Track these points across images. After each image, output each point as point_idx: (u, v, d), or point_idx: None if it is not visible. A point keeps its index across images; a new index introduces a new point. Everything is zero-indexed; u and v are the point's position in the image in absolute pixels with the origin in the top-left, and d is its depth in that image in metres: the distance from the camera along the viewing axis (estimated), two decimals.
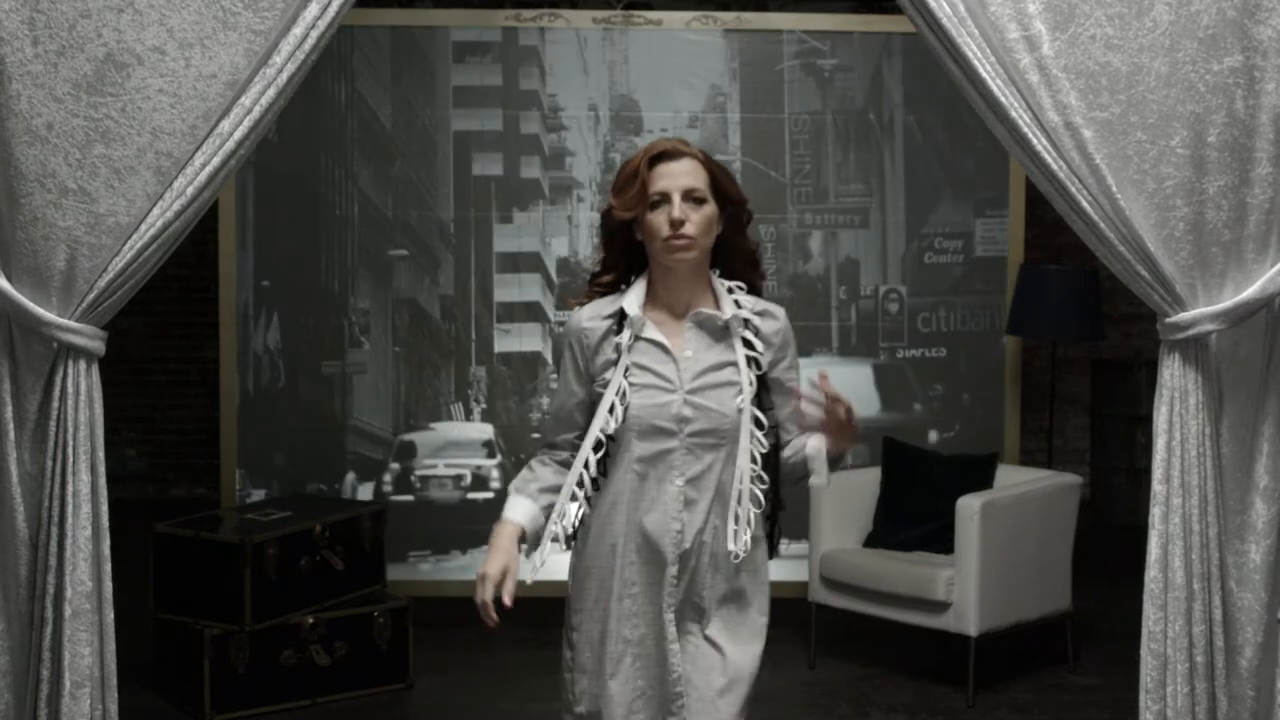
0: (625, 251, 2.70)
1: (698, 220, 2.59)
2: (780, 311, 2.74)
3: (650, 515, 2.63)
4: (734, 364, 2.64)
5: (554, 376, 5.80)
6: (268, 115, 3.03)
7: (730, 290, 2.70)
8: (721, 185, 2.64)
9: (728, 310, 2.67)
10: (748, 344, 2.67)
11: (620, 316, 2.65)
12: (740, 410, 2.63)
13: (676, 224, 2.57)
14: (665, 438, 2.62)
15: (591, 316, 2.69)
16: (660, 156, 2.63)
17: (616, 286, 2.71)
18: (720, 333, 2.66)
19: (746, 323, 2.68)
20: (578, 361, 2.68)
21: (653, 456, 2.63)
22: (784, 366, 2.73)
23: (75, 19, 2.94)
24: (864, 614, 4.96)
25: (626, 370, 2.62)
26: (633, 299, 2.66)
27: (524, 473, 2.76)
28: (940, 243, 5.95)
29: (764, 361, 2.68)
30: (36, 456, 3.03)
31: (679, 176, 2.60)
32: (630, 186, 2.61)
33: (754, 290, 2.73)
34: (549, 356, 5.83)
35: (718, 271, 2.72)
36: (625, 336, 2.64)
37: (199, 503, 7.01)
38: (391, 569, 5.23)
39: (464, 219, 5.83)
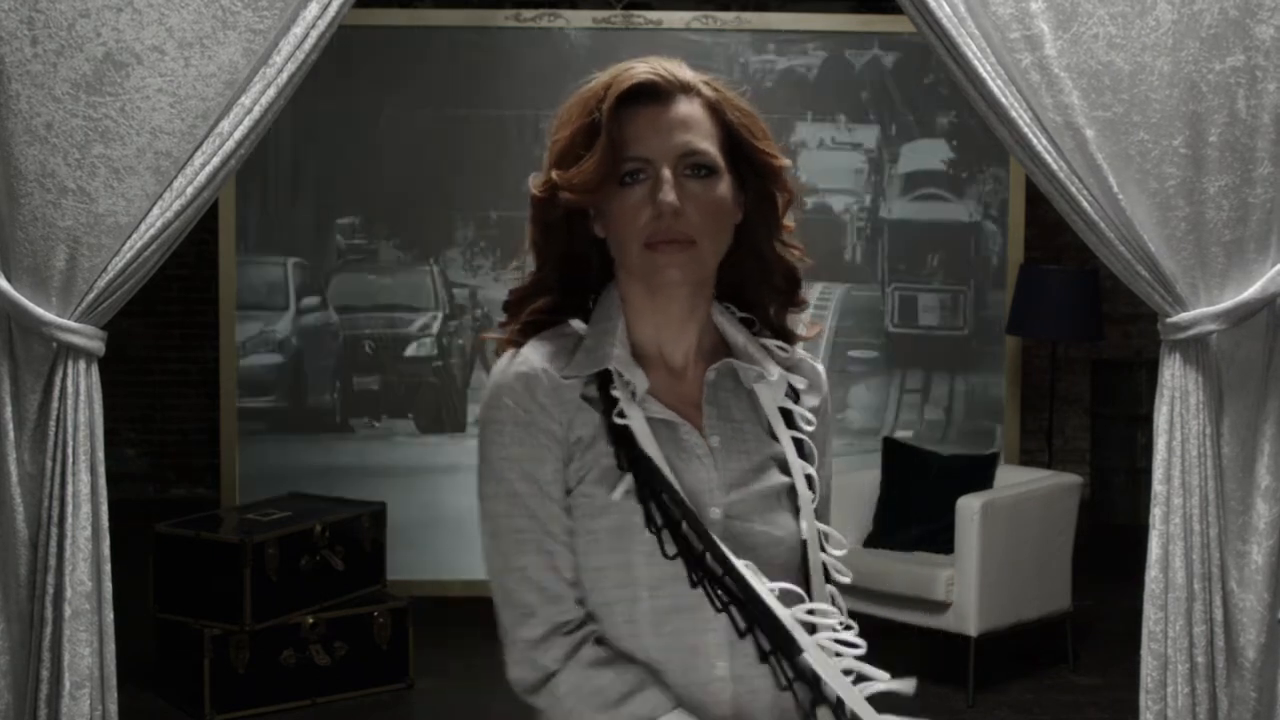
0: (573, 258, 1.60)
1: (703, 206, 1.51)
2: (821, 368, 1.69)
3: None
4: (777, 457, 1.61)
5: None
6: (268, 115, 3.03)
7: (751, 328, 1.64)
8: (744, 142, 1.56)
9: (766, 363, 1.61)
10: (789, 418, 1.62)
11: (604, 378, 1.55)
12: (804, 539, 1.60)
13: (667, 213, 1.49)
14: (687, 589, 1.52)
15: (551, 368, 1.54)
16: (636, 94, 1.52)
17: (557, 318, 1.59)
18: (746, 401, 1.61)
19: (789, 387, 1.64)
20: (552, 451, 1.53)
21: (671, 622, 1.53)
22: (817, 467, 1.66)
23: (74, 18, 2.93)
24: (864, 614, 4.94)
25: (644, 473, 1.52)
26: (616, 344, 1.55)
27: (575, 695, 1.52)
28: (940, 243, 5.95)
29: (813, 451, 1.63)
30: (36, 457, 3.02)
31: (672, 130, 1.51)
32: (585, 146, 1.51)
33: (781, 332, 1.65)
34: None
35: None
36: (633, 413, 1.53)
37: (199, 503, 7.00)
38: (392, 569, 5.22)
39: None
